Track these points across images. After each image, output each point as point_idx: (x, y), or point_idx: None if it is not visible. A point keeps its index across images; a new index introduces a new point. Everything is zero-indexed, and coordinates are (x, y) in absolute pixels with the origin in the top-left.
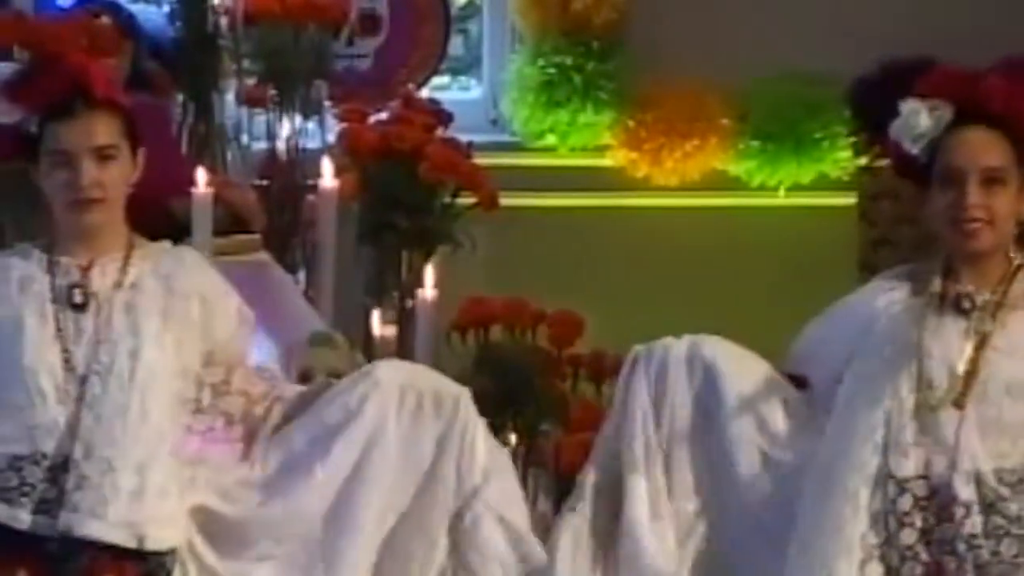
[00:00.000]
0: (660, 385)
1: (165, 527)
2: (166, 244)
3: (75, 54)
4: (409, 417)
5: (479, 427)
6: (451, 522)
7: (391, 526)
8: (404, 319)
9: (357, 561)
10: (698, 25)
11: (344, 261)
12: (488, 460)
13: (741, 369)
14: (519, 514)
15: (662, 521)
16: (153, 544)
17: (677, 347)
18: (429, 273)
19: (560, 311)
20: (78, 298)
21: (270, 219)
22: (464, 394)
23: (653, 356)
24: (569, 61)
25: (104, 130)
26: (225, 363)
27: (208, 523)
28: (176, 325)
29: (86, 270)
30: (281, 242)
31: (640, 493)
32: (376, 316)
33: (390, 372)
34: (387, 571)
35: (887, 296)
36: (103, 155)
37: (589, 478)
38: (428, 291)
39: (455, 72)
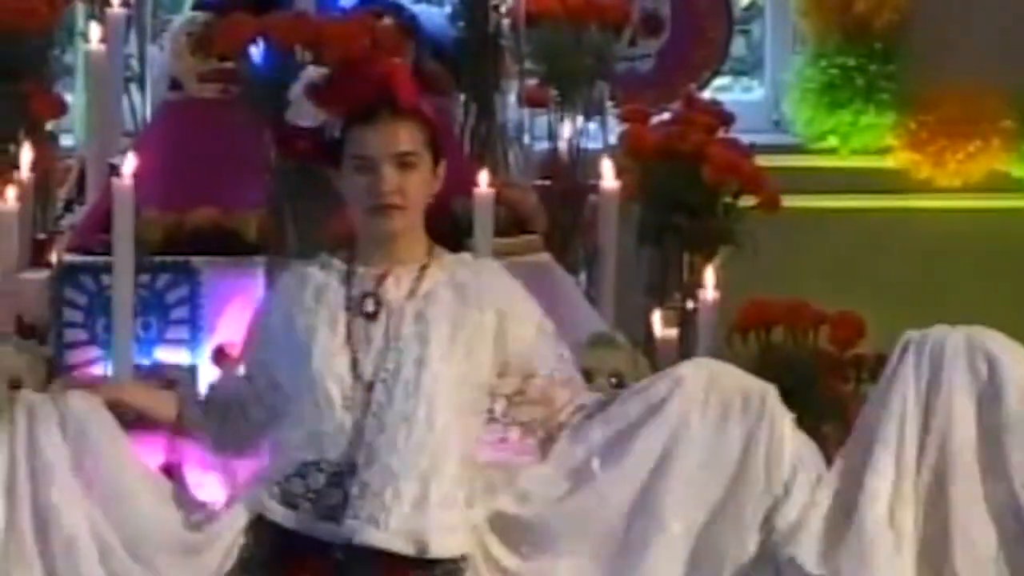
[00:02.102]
0: (935, 372)
1: (449, 535)
2: (466, 256)
3: (382, 61)
4: (714, 415)
5: (786, 422)
6: (763, 518)
7: (702, 523)
8: (685, 320)
9: (662, 557)
10: (979, 26)
11: (625, 262)
12: (795, 455)
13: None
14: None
15: (896, 522)
16: (436, 552)
17: (954, 336)
18: (710, 274)
19: (841, 312)
20: (370, 307)
21: (551, 220)
22: (770, 391)
23: (927, 342)
24: (851, 63)
25: (407, 137)
26: (520, 374)
27: (507, 527)
28: (467, 336)
29: (381, 279)
30: (562, 243)
31: (882, 489)
32: (657, 317)
33: (694, 370)
34: (700, 567)
35: None
36: (405, 162)
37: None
38: (709, 292)
39: (737, 73)
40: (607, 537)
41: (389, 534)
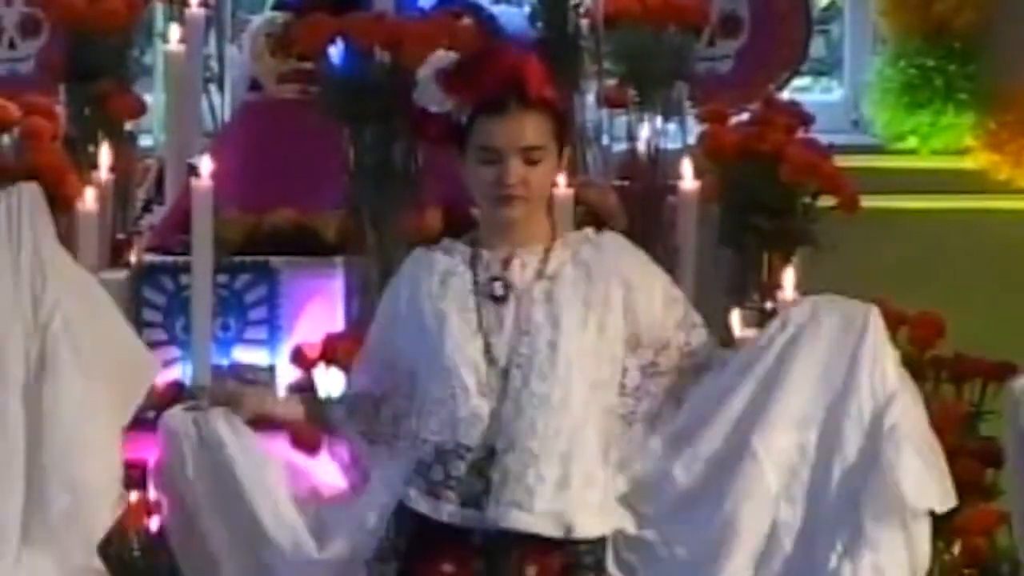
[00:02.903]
0: None
1: (592, 515)
2: (588, 232)
3: (514, 52)
4: (821, 333)
5: (887, 343)
6: (866, 432)
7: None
8: (764, 320)
9: (764, 470)
10: None
11: (704, 262)
12: (896, 378)
13: None
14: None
15: None
16: (581, 532)
17: None
18: (789, 275)
19: (921, 312)
20: (499, 290)
21: (630, 220)
22: (873, 310)
23: None
24: (931, 63)
25: (534, 130)
26: (652, 346)
27: (641, 498)
28: (597, 312)
29: (507, 263)
30: (641, 243)
31: None
32: (736, 317)
33: (798, 307)
34: (805, 480)
35: None
36: (531, 156)
37: None
38: (788, 292)
39: (816, 74)
40: (718, 465)
41: (535, 517)
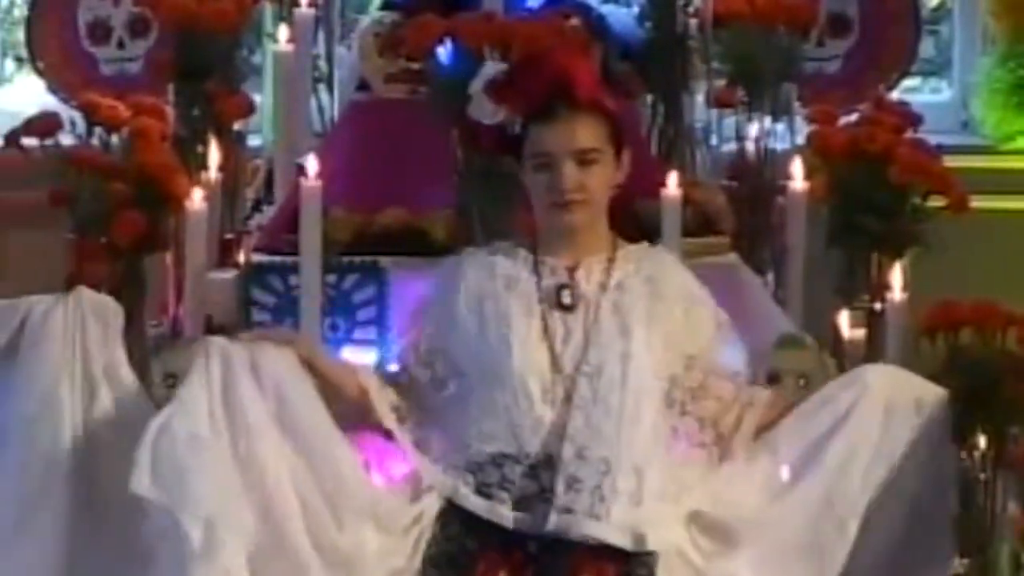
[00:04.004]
0: None
1: (664, 528)
2: (646, 246)
3: (560, 56)
4: (894, 424)
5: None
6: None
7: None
8: (873, 321)
9: (840, 555)
10: None
11: (813, 262)
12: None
13: None
14: None
15: None
16: (653, 545)
17: None
18: (898, 275)
19: None
20: (567, 299)
21: (739, 221)
22: (944, 399)
23: None
24: None
25: (586, 133)
26: (703, 368)
27: (700, 525)
28: (660, 327)
29: (572, 271)
30: (750, 244)
31: None
32: (845, 318)
33: (879, 378)
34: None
35: None
36: (585, 158)
37: None
38: (897, 293)
39: (925, 74)
40: (792, 543)
41: (610, 527)
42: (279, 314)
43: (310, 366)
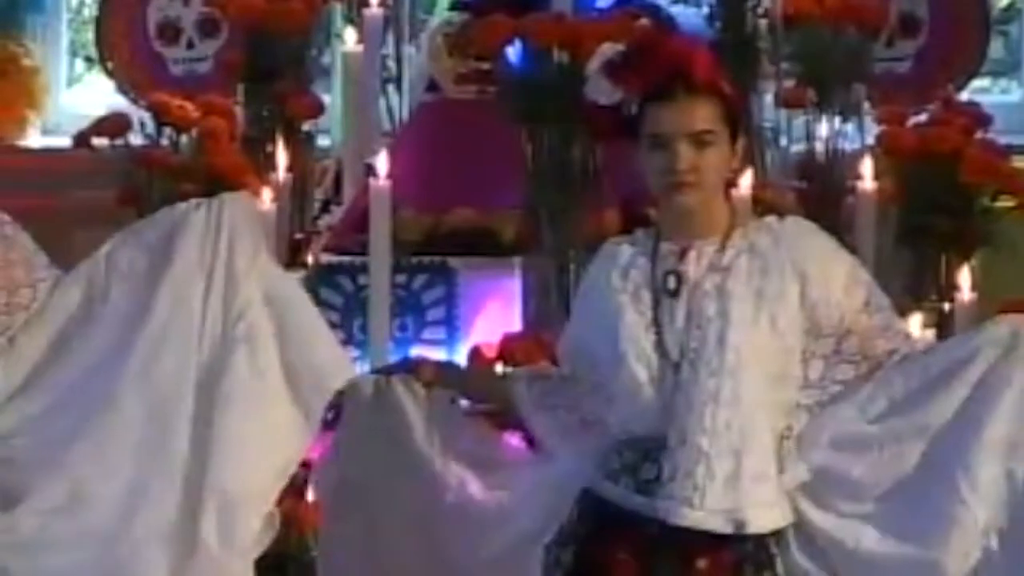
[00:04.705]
0: None
1: (765, 510)
2: (770, 220)
3: (678, 39)
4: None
5: None
6: None
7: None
8: (943, 322)
9: (973, 514)
10: None
11: (882, 263)
12: None
13: None
14: None
15: None
16: (754, 528)
17: None
18: (966, 276)
19: None
20: (671, 284)
21: (808, 220)
22: None
23: None
24: None
25: (703, 115)
26: (834, 334)
27: (819, 485)
28: (770, 304)
29: (683, 254)
30: None
31: None
32: (915, 318)
33: (996, 326)
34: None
35: None
36: (701, 140)
37: None
38: (966, 293)
39: (995, 75)
40: (907, 489)
41: (705, 513)
42: (347, 314)
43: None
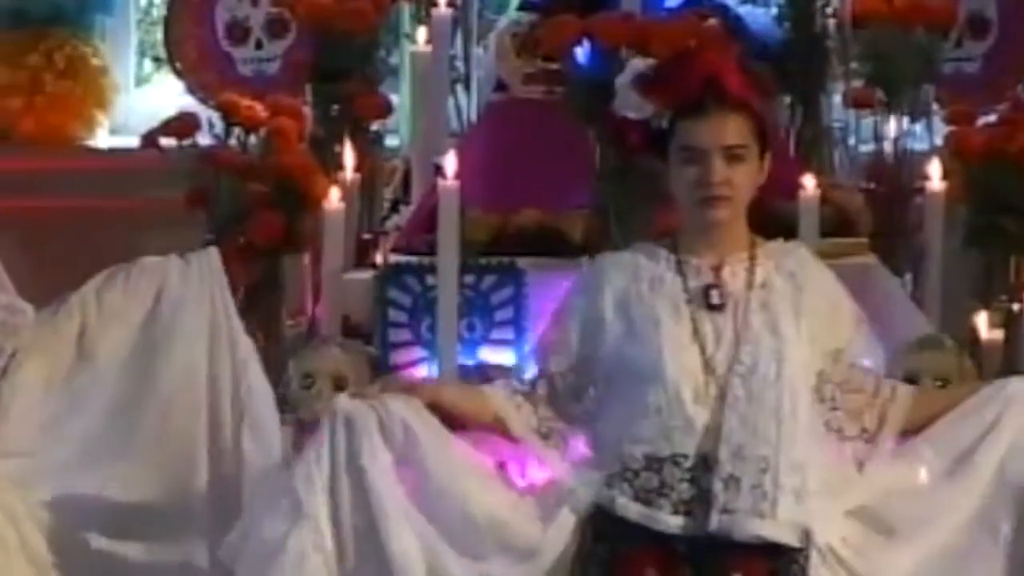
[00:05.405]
0: None
1: (828, 522)
2: (781, 242)
3: (710, 53)
4: None
5: None
6: None
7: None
8: (1011, 322)
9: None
10: None
11: (951, 264)
12: None
13: None
14: None
15: None
16: (820, 541)
17: None
18: None
19: None
20: (716, 299)
21: (877, 222)
22: None
23: None
24: None
25: (735, 129)
26: (846, 361)
27: (863, 521)
28: (807, 323)
29: (718, 270)
30: (888, 245)
31: None
32: (983, 319)
33: (1022, 387)
34: None
35: None
36: (733, 154)
37: None
38: None
39: None
40: (947, 547)
41: (777, 524)
42: (416, 314)
43: (438, 407)
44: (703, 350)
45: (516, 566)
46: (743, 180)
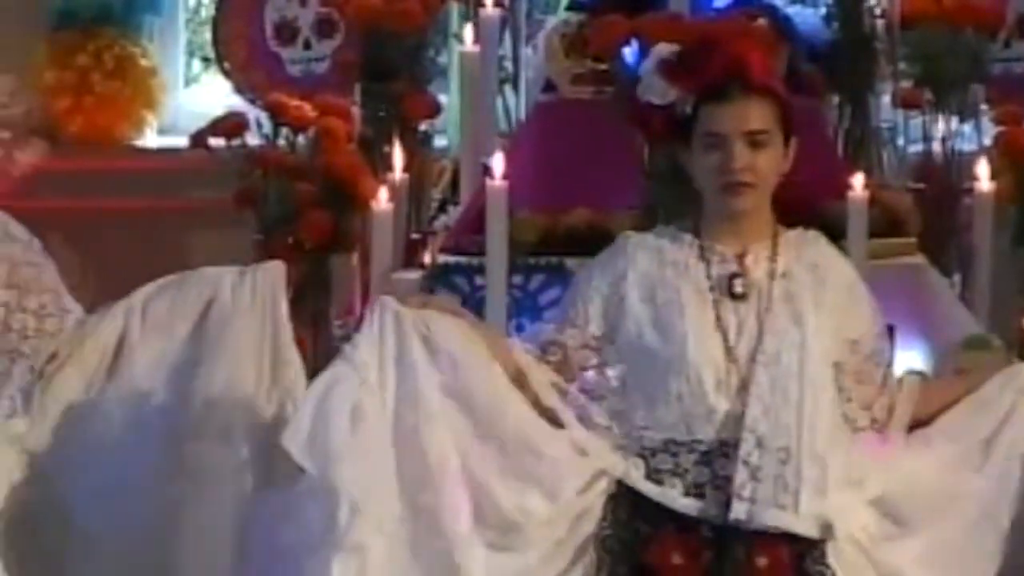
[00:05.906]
0: None
1: (849, 514)
2: (801, 231)
3: (734, 39)
4: None
5: None
6: None
7: None
8: None
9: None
10: None
11: (1000, 264)
12: None
13: None
14: None
15: None
16: (840, 533)
17: None
18: None
19: None
20: (739, 288)
21: (925, 222)
22: None
23: None
24: None
25: (758, 115)
26: (861, 354)
27: (882, 511)
28: (827, 314)
29: (741, 258)
30: (937, 245)
31: None
32: None
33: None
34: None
35: None
36: (756, 140)
37: None
38: None
39: None
40: (955, 541)
41: (797, 516)
42: None
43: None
44: (725, 339)
45: (542, 504)
46: (766, 166)
